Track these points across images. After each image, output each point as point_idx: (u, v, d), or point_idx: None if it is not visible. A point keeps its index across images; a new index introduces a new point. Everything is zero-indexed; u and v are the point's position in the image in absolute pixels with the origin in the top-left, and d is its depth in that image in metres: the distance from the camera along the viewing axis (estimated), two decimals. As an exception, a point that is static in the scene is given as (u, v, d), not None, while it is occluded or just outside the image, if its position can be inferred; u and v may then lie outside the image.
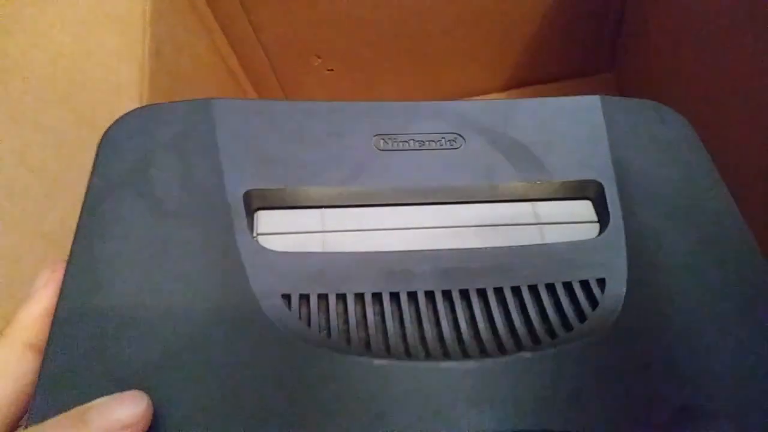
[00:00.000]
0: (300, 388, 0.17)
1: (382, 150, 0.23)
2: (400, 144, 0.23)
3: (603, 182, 0.23)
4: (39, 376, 0.17)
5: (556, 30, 0.52)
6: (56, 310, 0.18)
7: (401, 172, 0.22)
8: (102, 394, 0.16)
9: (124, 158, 0.22)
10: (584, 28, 0.52)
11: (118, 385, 0.17)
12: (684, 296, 0.20)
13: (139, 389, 0.16)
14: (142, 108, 0.23)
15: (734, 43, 0.37)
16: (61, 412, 0.15)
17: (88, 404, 0.15)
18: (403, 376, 0.17)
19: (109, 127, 0.23)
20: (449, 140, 0.23)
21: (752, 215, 0.24)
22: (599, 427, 0.17)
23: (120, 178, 0.21)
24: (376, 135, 0.23)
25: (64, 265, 0.19)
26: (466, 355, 0.18)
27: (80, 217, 0.20)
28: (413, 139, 0.23)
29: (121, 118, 0.23)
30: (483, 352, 0.18)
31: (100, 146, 0.22)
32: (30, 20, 0.33)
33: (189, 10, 0.43)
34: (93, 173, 0.21)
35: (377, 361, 0.17)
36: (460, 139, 0.23)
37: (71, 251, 0.19)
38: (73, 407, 0.16)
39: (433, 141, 0.23)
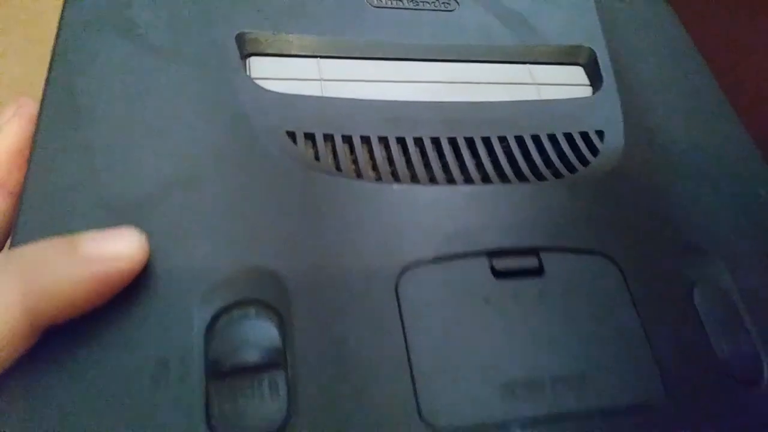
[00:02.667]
0: (306, 211, 0.16)
1: (376, 6, 0.22)
2: (394, 2, 0.22)
3: (595, 49, 0.23)
4: (18, 211, 0.15)
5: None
6: (34, 143, 0.16)
7: (396, 28, 0.22)
8: (94, 225, 0.14)
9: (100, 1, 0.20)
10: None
11: (111, 215, 0.15)
12: (677, 149, 0.21)
13: (135, 220, 0.15)
14: None
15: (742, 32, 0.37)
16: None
17: (80, 234, 0.14)
18: (426, 197, 0.17)
19: None
20: (443, 2, 0.23)
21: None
22: (621, 249, 0.17)
23: (96, 17, 0.19)
24: None
25: (30, 101, 0.18)
26: (485, 180, 0.18)
27: (52, 58, 0.18)
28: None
29: None
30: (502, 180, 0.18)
31: None
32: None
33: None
34: (62, 15, 0.19)
35: (397, 186, 0.17)
36: (454, 2, 0.23)
37: (46, 88, 0.17)
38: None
39: (426, 2, 0.23)
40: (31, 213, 0.15)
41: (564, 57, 0.23)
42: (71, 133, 0.17)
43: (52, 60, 0.18)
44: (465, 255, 0.16)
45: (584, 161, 0.20)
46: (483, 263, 0.16)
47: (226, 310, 0.14)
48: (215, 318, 0.14)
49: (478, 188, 0.18)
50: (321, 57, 0.21)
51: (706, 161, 0.21)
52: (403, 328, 0.14)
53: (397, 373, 0.14)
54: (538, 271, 0.16)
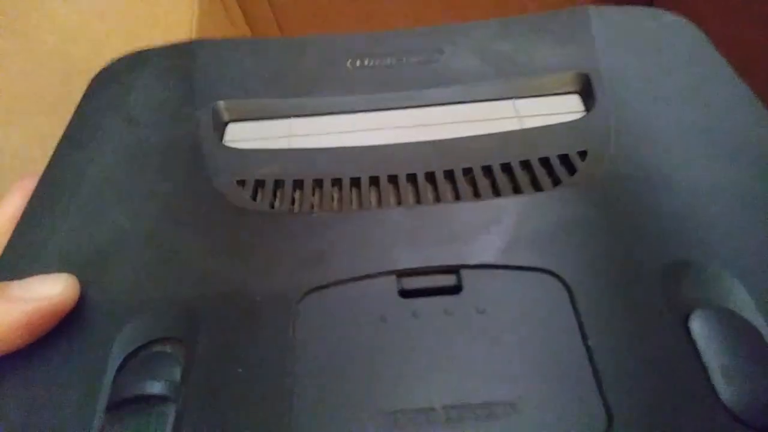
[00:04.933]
0: (237, 251, 0.16)
1: (359, 68, 0.22)
2: (377, 60, 0.22)
3: (590, 74, 0.21)
4: None
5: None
6: (26, 208, 0.19)
7: (378, 81, 0.21)
8: (49, 271, 0.16)
9: (109, 91, 0.23)
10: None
11: (67, 265, 0.16)
12: (679, 164, 0.18)
13: (87, 266, 0.16)
14: (130, 54, 0.24)
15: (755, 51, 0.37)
16: None
17: (13, 280, 0.16)
18: (346, 223, 0.16)
19: (100, 71, 0.24)
20: (429, 53, 0.22)
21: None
22: (572, 268, 0.15)
23: (104, 102, 0.22)
24: (353, 55, 0.22)
25: (33, 178, 0.20)
26: (419, 202, 0.17)
27: (62, 137, 0.21)
28: (391, 57, 0.22)
29: (111, 62, 0.24)
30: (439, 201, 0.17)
31: (89, 85, 0.23)
32: (93, 31, 0.37)
33: (228, 25, 0.48)
34: (81, 101, 0.22)
35: (321, 214, 0.17)
36: (439, 53, 0.22)
37: (50, 161, 0.20)
38: None
39: (411, 55, 0.22)
40: (3, 263, 0.17)
41: (557, 87, 0.21)
42: (57, 198, 0.19)
43: (62, 138, 0.21)
44: (372, 275, 0.15)
45: (557, 181, 0.17)
46: (390, 283, 0.15)
47: (146, 345, 0.14)
48: (133, 352, 0.14)
49: (410, 209, 0.17)
50: (294, 117, 0.21)
51: (717, 172, 0.17)
52: (295, 354, 0.14)
53: (277, 405, 0.13)
54: (453, 290, 0.14)
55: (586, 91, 0.21)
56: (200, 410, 0.13)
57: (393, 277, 0.15)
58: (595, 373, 0.13)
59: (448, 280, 0.15)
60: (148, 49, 0.24)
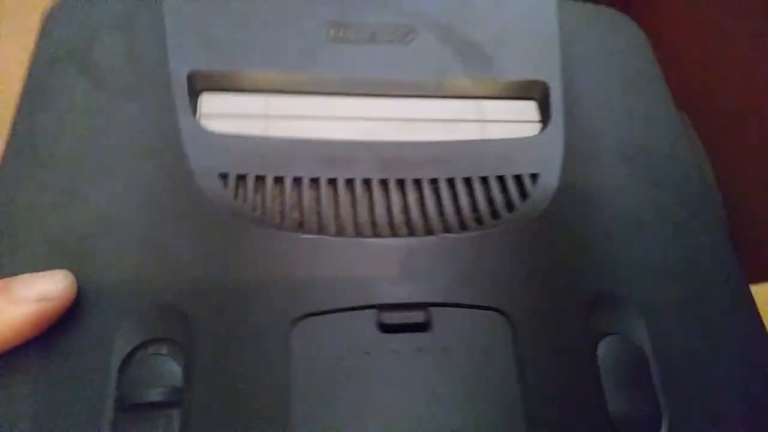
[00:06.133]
0: (230, 261, 0.17)
1: (333, 39, 0.23)
2: (352, 34, 0.23)
3: (549, 83, 0.23)
4: None
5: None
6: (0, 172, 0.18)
7: (351, 63, 0.22)
8: (38, 260, 0.17)
9: (67, 36, 0.21)
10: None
11: (52, 251, 0.17)
12: (613, 192, 0.21)
13: (76, 258, 0.17)
14: None
15: (738, 37, 0.37)
16: None
17: (15, 277, 0.16)
18: (331, 250, 0.18)
19: (53, 7, 0.22)
20: (402, 33, 0.23)
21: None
22: (515, 304, 0.18)
23: (62, 56, 0.21)
24: (329, 21, 0.23)
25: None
26: (394, 234, 0.19)
27: (21, 93, 0.20)
28: (366, 30, 0.23)
29: None
30: (411, 233, 0.19)
31: (42, 25, 0.22)
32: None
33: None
34: (35, 52, 0.21)
35: (306, 236, 0.18)
36: (413, 33, 0.23)
37: (11, 126, 0.19)
38: (10, 271, 0.16)
39: (385, 33, 0.23)
40: None
41: (517, 91, 0.23)
42: (27, 173, 0.19)
43: (21, 96, 0.20)
44: (357, 308, 0.17)
45: (511, 206, 0.20)
46: (371, 317, 0.17)
47: (141, 346, 0.16)
48: (131, 353, 0.16)
49: (386, 241, 0.19)
50: (269, 93, 0.22)
51: (642, 206, 0.21)
52: (289, 376, 0.16)
53: (274, 422, 0.15)
54: (424, 326, 0.17)
55: (543, 102, 0.23)
56: (203, 421, 0.15)
57: (374, 312, 0.17)
58: (524, 397, 0.16)
59: (418, 317, 0.17)
60: None
